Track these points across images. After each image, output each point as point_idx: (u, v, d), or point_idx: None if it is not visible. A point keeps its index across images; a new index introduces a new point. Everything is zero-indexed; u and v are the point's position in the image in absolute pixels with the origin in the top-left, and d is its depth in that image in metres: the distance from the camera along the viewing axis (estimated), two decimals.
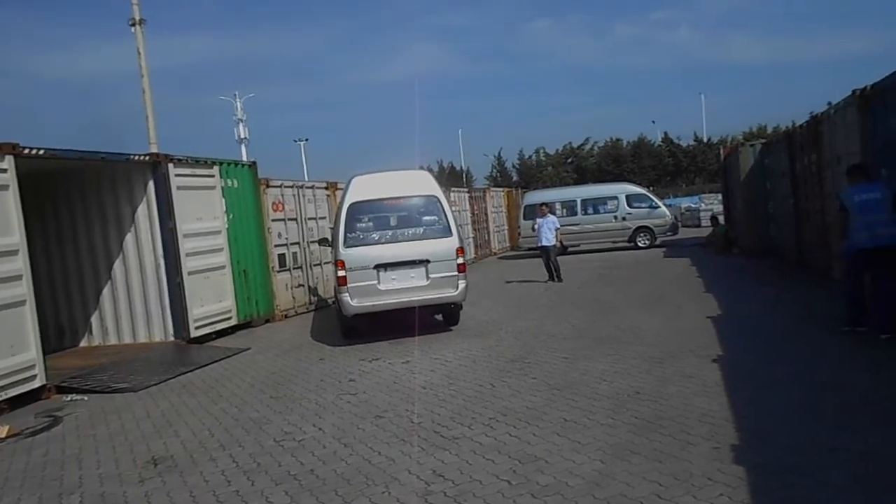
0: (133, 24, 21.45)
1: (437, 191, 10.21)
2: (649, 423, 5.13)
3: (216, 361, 9.61)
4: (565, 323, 9.97)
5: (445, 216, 9.93)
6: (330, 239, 13.45)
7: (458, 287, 9.69)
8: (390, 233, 9.95)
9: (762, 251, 16.19)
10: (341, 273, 9.52)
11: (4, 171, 8.02)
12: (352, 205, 9.73)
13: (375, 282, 9.47)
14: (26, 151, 8.36)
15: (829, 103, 10.83)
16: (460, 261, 9.75)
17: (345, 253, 9.56)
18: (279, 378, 8.18)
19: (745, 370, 6.49)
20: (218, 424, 6.40)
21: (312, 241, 14.42)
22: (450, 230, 9.86)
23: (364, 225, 9.95)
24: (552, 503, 3.93)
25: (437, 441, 5.21)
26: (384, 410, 6.23)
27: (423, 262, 9.57)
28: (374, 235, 9.86)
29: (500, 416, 5.68)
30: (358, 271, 9.45)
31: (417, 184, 10.25)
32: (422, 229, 9.96)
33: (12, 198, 8.08)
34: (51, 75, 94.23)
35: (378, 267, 9.48)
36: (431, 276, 9.58)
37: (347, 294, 9.48)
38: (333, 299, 14.19)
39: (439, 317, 10.55)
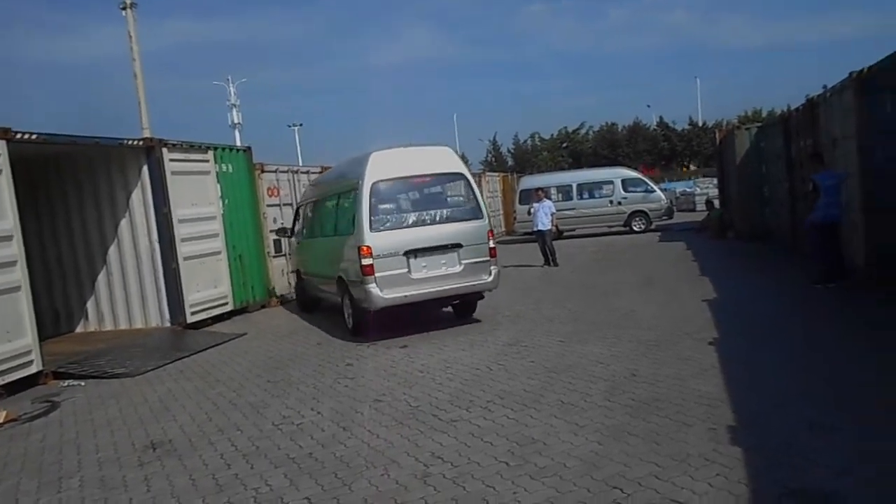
0: (124, 8, 21.21)
1: (463, 168, 9.48)
2: (646, 404, 5.16)
3: (213, 347, 9.61)
4: (561, 307, 9.99)
5: (474, 196, 9.19)
6: (290, 229, 12.67)
7: (491, 273, 8.97)
8: (417, 215, 8.93)
9: (757, 235, 16.23)
10: (367, 262, 8.40)
11: None
12: (374, 184, 8.64)
13: (406, 270, 8.53)
14: (18, 136, 8.28)
15: (825, 86, 10.80)
16: (491, 244, 9.04)
17: (371, 238, 8.51)
18: (276, 363, 8.19)
19: (740, 352, 6.53)
20: (216, 409, 6.41)
21: (272, 231, 13.53)
22: (480, 211, 9.13)
23: (389, 206, 8.94)
24: (550, 484, 3.96)
25: (436, 424, 5.24)
26: (382, 394, 6.25)
27: (455, 247, 8.75)
28: (402, 218, 8.88)
29: (498, 399, 5.71)
30: (386, 258, 8.44)
31: (442, 160, 9.31)
32: (450, 210, 9.12)
33: (5, 183, 8.02)
34: (40, 60, 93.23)
35: (408, 253, 8.58)
36: (464, 261, 8.76)
37: (374, 284, 8.41)
38: (292, 293, 13.06)
39: (448, 308, 9.71)
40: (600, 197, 23.85)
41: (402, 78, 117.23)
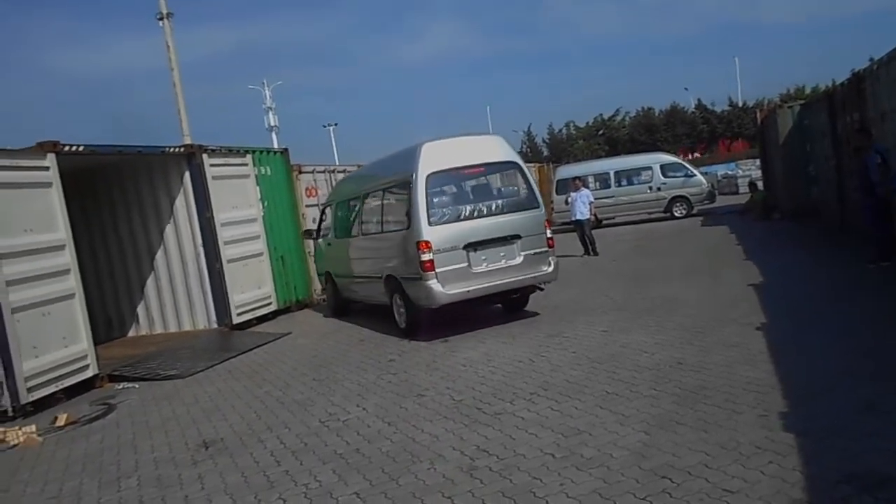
0: (161, 19, 21.70)
1: (516, 156, 9.28)
2: (693, 393, 5.08)
3: (259, 346, 9.81)
4: (603, 296, 9.89)
5: (529, 185, 8.98)
6: (315, 231, 12.23)
7: (550, 264, 8.75)
8: (473, 206, 8.64)
9: (803, 215, 15.78)
10: (427, 257, 8.10)
11: (47, 168, 8.26)
12: (429, 176, 8.30)
13: (466, 264, 8.26)
14: (67, 149, 8.59)
15: (871, 59, 10.41)
16: (549, 234, 8.83)
17: (430, 232, 8.17)
18: (321, 361, 8.31)
19: (789, 337, 6.36)
20: (264, 407, 6.55)
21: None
22: (536, 200, 8.90)
23: (445, 199, 8.74)
24: (598, 475, 3.93)
25: (480, 417, 5.25)
26: (425, 389, 6.29)
27: (514, 238, 8.49)
28: (459, 210, 8.58)
29: (541, 390, 5.69)
30: (446, 253, 8.16)
31: (494, 149, 9.06)
32: (506, 201, 8.90)
33: (56, 194, 8.32)
34: (82, 74, 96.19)
35: (468, 247, 8.31)
36: (523, 253, 8.53)
37: (435, 280, 8.13)
38: (322, 295, 12.66)
39: (499, 305, 9.44)
40: (639, 183, 23.45)
41: (433, 73, 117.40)
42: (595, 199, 16.67)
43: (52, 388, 7.79)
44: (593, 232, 15.80)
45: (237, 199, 11.72)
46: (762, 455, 3.86)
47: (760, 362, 5.60)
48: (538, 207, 8.91)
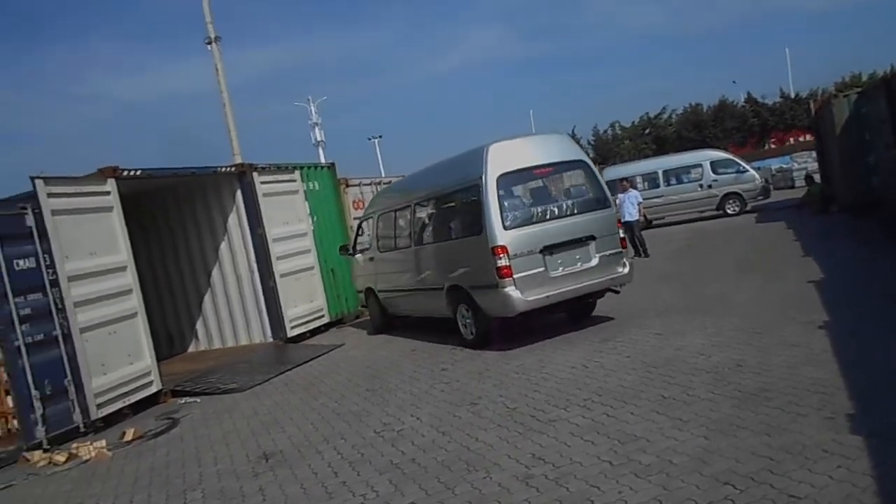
0: (209, 43, 22.37)
1: (583, 155, 9.04)
2: (754, 395, 4.94)
3: (313, 359, 9.99)
4: (655, 298, 9.69)
5: (599, 184, 8.68)
6: (350, 246, 11.78)
7: (626, 265, 8.42)
8: (545, 208, 8.34)
9: (864, 207, 15.14)
10: (503, 262, 7.72)
11: (108, 193, 8.63)
12: (500, 177, 7.95)
13: (544, 268, 7.90)
14: (126, 173, 8.95)
15: None
16: (621, 234, 8.57)
17: (505, 236, 7.79)
18: (374, 371, 8.40)
19: (854, 335, 6.11)
20: (320, 419, 6.66)
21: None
22: (607, 200, 8.61)
23: (517, 201, 8.46)
24: (657, 482, 3.86)
25: (534, 425, 5.22)
26: (478, 397, 6.29)
27: (589, 239, 8.18)
28: (531, 212, 8.29)
29: (596, 396, 5.62)
30: (523, 257, 7.80)
31: (561, 148, 8.75)
32: (577, 201, 8.59)
33: (117, 217, 8.68)
34: (137, 100, 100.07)
35: (544, 250, 7.95)
36: (598, 254, 8.20)
37: (514, 287, 7.75)
38: (364, 305, 11.94)
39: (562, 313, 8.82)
40: (689, 182, 22.92)
41: (475, 80, 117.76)
42: (644, 199, 16.40)
43: (119, 404, 8.11)
44: (643, 233, 15.54)
45: (287, 215, 11.98)
46: (830, 459, 3.73)
47: (824, 362, 5.41)
48: (609, 207, 8.63)
